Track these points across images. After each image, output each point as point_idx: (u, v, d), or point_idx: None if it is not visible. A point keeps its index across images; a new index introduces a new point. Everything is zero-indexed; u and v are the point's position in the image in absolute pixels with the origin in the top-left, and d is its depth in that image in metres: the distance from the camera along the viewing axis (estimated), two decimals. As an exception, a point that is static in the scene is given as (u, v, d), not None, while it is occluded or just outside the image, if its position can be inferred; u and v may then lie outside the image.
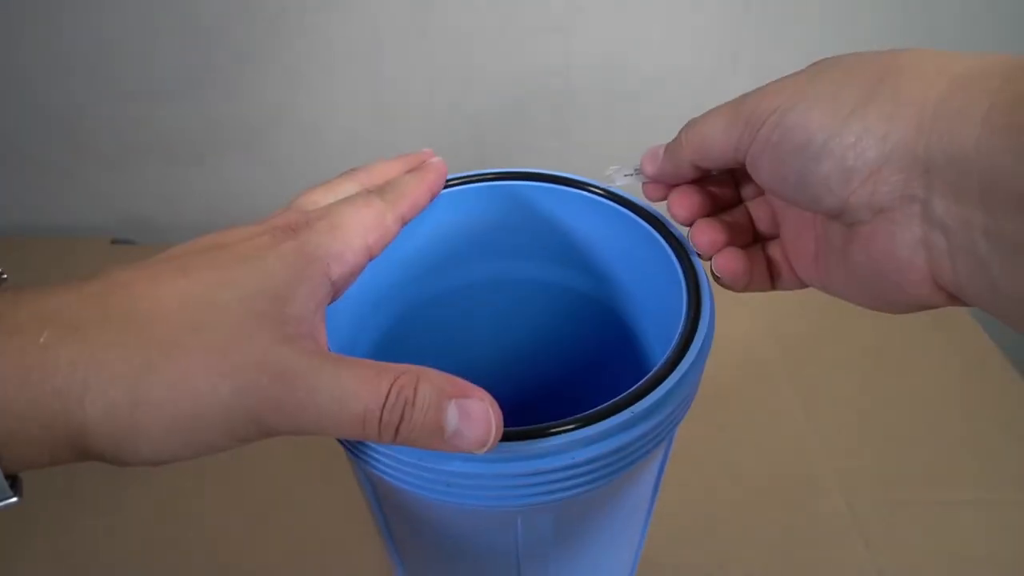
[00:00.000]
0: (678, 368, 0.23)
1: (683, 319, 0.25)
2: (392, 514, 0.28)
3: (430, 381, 0.19)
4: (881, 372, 0.56)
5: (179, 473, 0.49)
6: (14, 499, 0.18)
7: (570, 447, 0.21)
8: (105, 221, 0.74)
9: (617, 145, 0.66)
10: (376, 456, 0.22)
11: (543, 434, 0.21)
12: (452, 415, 0.19)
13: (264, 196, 0.69)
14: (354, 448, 0.23)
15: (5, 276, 0.22)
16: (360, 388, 0.19)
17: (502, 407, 0.20)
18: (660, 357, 0.24)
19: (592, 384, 0.37)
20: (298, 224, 0.23)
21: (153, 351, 0.18)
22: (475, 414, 0.19)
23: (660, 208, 0.30)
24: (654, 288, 0.29)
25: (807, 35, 0.59)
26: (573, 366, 0.37)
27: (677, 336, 0.24)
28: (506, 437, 0.21)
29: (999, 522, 0.46)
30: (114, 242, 0.72)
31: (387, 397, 0.19)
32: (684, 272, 0.26)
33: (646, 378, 0.23)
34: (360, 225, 0.24)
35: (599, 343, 0.35)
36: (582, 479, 0.22)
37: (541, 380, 0.38)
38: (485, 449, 0.19)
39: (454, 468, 0.21)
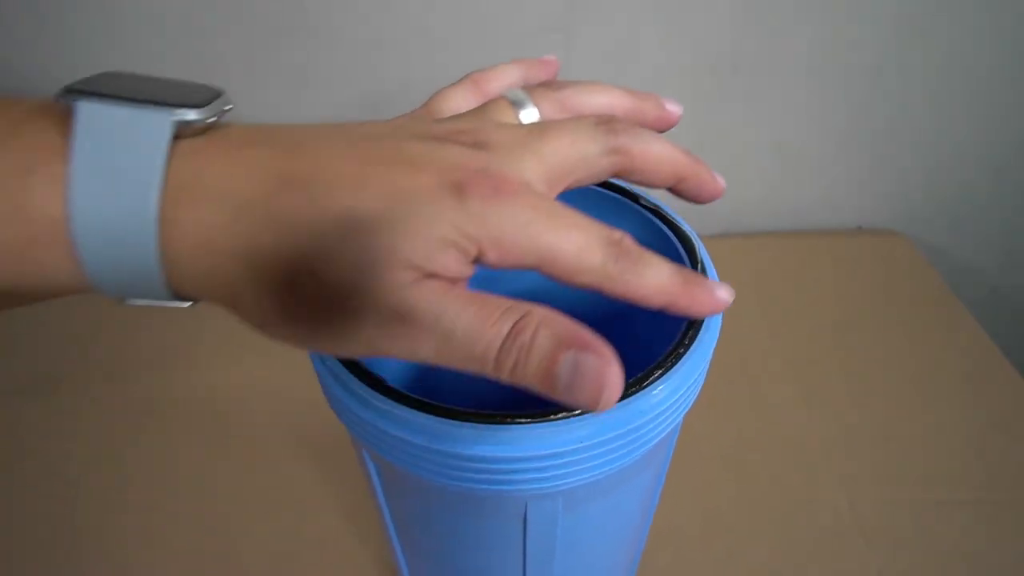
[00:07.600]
0: (690, 350, 0.23)
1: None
2: (396, 501, 0.28)
3: (550, 327, 0.17)
4: (882, 372, 0.56)
5: (183, 472, 0.49)
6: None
7: (579, 430, 0.21)
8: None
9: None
10: (381, 439, 0.22)
11: (551, 417, 0.21)
12: (565, 368, 0.17)
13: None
14: (359, 432, 0.23)
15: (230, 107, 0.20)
16: (481, 328, 0.17)
17: (506, 399, 0.20)
18: (666, 345, 0.24)
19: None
20: (491, 145, 0.20)
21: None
22: (588, 372, 0.17)
23: (660, 198, 0.30)
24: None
25: (807, 35, 0.59)
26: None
27: (685, 320, 0.24)
28: (514, 422, 0.21)
29: (999, 522, 0.46)
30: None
31: (504, 340, 0.17)
32: (689, 258, 0.26)
33: (656, 362, 0.22)
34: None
35: (602, 334, 0.35)
36: (590, 464, 0.22)
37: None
38: (599, 408, 0.17)
39: (461, 452, 0.21)
